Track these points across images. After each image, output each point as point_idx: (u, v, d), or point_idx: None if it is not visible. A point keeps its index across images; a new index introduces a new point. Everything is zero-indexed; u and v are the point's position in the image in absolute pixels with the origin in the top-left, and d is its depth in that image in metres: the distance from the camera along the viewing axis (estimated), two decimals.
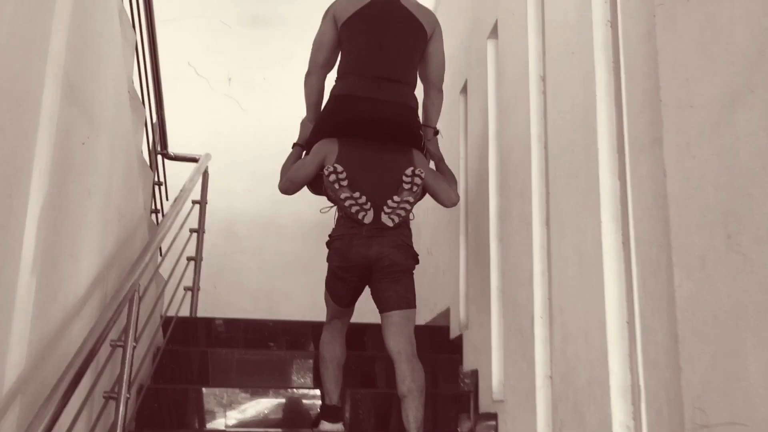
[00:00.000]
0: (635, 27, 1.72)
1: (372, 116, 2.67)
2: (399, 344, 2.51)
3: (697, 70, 1.32)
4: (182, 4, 5.33)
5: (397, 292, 2.57)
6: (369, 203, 2.55)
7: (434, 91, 2.95)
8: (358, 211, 2.53)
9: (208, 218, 4.81)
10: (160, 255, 3.61)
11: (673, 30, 1.42)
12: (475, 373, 2.97)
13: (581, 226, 1.97)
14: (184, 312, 3.60)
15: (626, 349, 1.76)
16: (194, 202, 3.73)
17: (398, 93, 2.73)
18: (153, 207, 3.52)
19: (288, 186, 2.77)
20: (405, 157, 2.70)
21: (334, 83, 2.81)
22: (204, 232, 3.75)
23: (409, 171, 2.60)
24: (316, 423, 2.73)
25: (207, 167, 3.82)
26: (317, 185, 2.74)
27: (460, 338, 3.29)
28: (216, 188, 4.92)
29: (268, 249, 5.04)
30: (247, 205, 5.11)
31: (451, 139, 3.76)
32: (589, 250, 1.90)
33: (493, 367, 2.72)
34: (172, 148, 3.90)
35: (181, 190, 3.16)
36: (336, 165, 2.58)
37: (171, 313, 3.43)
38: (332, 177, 2.56)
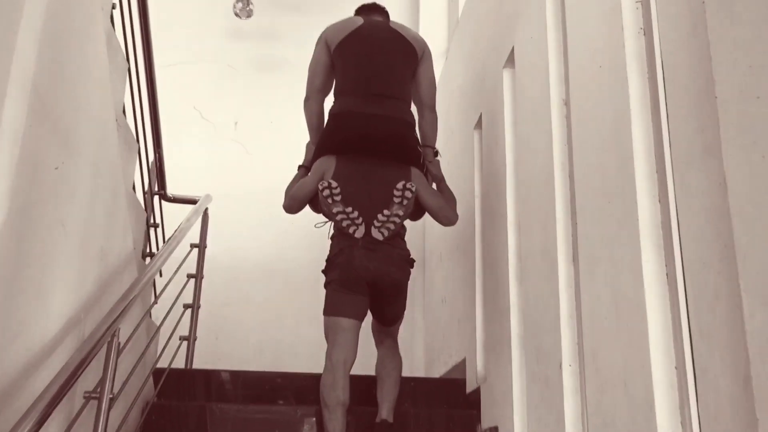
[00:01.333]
0: (675, 28, 1.51)
1: (368, 131, 2.75)
2: (386, 341, 2.83)
3: (764, 55, 1.10)
4: (188, 48, 5.24)
5: (395, 311, 2.79)
6: (360, 218, 2.60)
7: (427, 110, 3.02)
8: (349, 226, 2.59)
9: (210, 265, 4.58)
10: (155, 299, 3.38)
11: (729, 15, 1.20)
12: (494, 431, 2.68)
13: (616, 258, 1.73)
14: (179, 363, 3.34)
15: (676, 399, 1.50)
16: (193, 246, 3.51)
17: (394, 108, 2.82)
18: (148, 250, 3.30)
19: (291, 204, 2.84)
20: (401, 172, 2.73)
21: (332, 104, 2.89)
22: (203, 277, 3.52)
23: (399, 185, 2.64)
24: None
25: (207, 209, 3.61)
26: (317, 203, 2.75)
27: (477, 392, 3.01)
28: (219, 234, 4.71)
29: (273, 298, 4.79)
30: (252, 252, 4.89)
31: (464, 177, 3.55)
32: (627, 284, 1.65)
33: (515, 423, 2.44)
34: (175, 192, 3.71)
35: (176, 230, 2.95)
36: (330, 180, 2.64)
37: (165, 364, 3.17)
38: (326, 192, 2.61)
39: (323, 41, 2.95)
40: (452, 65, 4.24)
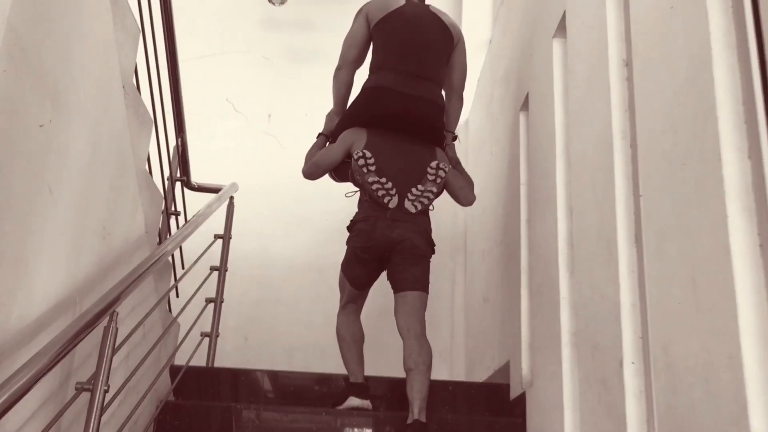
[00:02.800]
0: None
1: (404, 110, 2.80)
2: (409, 322, 2.62)
3: None
4: (221, 39, 5.08)
5: (414, 274, 2.67)
6: (394, 189, 2.69)
7: (456, 96, 3.10)
8: (383, 195, 2.67)
9: (240, 262, 4.38)
10: (171, 287, 3.17)
11: None
12: None
13: (692, 229, 1.43)
14: (201, 361, 3.11)
15: None
16: (217, 237, 3.30)
17: (429, 90, 2.87)
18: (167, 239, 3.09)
19: (313, 170, 2.89)
20: (429, 151, 2.85)
21: (367, 77, 2.93)
22: (226, 270, 3.30)
23: (434, 164, 2.78)
24: (341, 400, 2.73)
25: (232, 198, 3.39)
26: (341, 172, 2.85)
27: (522, 397, 2.71)
28: (250, 229, 4.51)
29: (305, 298, 4.55)
30: (285, 250, 4.66)
31: (510, 164, 3.26)
32: (708, 258, 1.35)
33: (566, 430, 2.13)
34: (201, 182, 3.51)
35: (195, 215, 2.73)
36: (365, 150, 2.73)
37: (191, 362, 2.95)
38: (361, 161, 2.70)
39: (363, 15, 3.00)
40: (496, 50, 3.96)
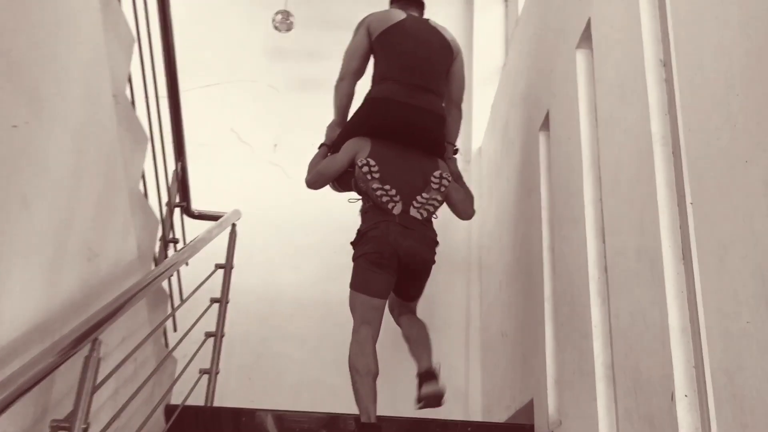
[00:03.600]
0: None
1: (407, 120, 2.84)
2: (408, 314, 2.87)
3: None
4: (227, 68, 4.96)
5: (418, 289, 2.85)
6: (398, 196, 2.71)
7: (455, 109, 3.11)
8: (387, 202, 2.68)
9: (244, 297, 4.18)
10: (175, 328, 2.97)
11: None
12: None
13: (764, 237, 1.22)
14: (199, 400, 2.88)
15: None
16: (218, 266, 3.10)
17: (431, 102, 2.90)
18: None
19: (317, 179, 2.91)
20: (432, 161, 2.88)
21: (369, 89, 2.94)
22: (228, 302, 3.09)
23: (437, 173, 2.80)
24: None
25: (234, 226, 3.20)
26: (344, 181, 2.88)
27: None
28: (256, 263, 4.32)
29: (313, 334, 4.32)
30: (291, 283, 4.45)
31: (528, 188, 3.07)
32: None
33: None
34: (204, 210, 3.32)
35: (192, 240, 2.54)
36: (369, 159, 2.74)
37: (189, 401, 2.72)
38: (365, 169, 2.72)
39: (365, 27, 3.02)
40: (511, 73, 3.81)
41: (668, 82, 1.76)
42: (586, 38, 2.39)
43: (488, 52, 4.85)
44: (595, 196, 2.24)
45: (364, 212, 2.80)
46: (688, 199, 1.57)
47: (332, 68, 4.36)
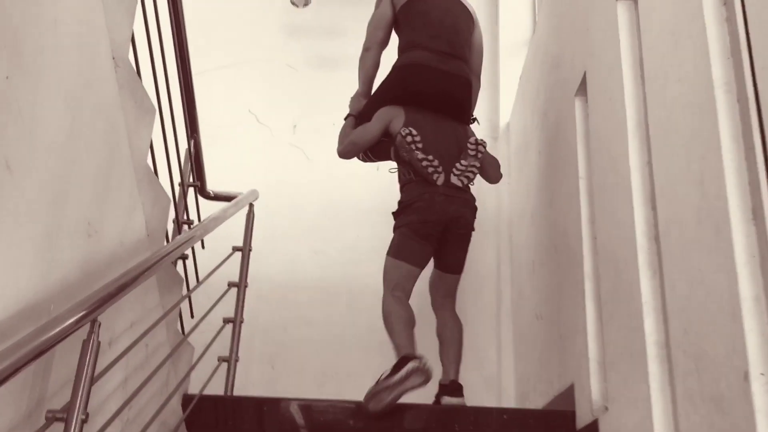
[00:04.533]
0: None
1: (440, 86, 2.84)
2: (446, 297, 2.79)
3: None
4: (243, 48, 4.79)
5: (459, 258, 2.80)
6: (441, 166, 2.69)
7: (475, 78, 3.08)
8: (432, 173, 2.67)
9: (265, 283, 4.04)
10: (192, 314, 2.82)
11: None
12: None
13: None
14: (219, 389, 2.73)
15: None
16: (235, 249, 2.94)
17: (461, 68, 2.92)
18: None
19: (350, 149, 2.89)
20: (463, 128, 2.92)
21: (397, 58, 2.95)
22: (246, 286, 2.92)
23: (473, 140, 2.81)
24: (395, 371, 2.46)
25: (252, 206, 3.04)
26: (376, 150, 2.88)
27: (594, 425, 2.27)
28: (277, 248, 4.18)
29: (335, 321, 4.16)
30: (312, 269, 4.29)
31: (564, 159, 2.87)
32: None
33: None
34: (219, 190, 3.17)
35: (205, 219, 2.38)
36: (410, 128, 2.71)
37: (207, 390, 2.57)
38: (408, 138, 2.69)
39: None
40: (541, 40, 3.59)
41: (730, 21, 1.56)
42: None
43: (515, 24, 4.63)
44: (642, 160, 2.04)
45: (405, 183, 2.77)
46: (758, 151, 1.37)
47: (351, 45, 4.18)
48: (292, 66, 4.78)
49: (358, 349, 4.04)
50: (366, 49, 3.01)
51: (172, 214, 2.76)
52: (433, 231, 2.65)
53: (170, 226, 2.57)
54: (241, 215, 2.95)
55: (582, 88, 2.67)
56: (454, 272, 2.80)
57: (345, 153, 2.91)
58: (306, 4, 4.39)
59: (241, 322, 2.83)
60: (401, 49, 2.94)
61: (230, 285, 2.85)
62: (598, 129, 2.45)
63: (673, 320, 1.72)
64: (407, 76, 2.82)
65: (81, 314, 1.40)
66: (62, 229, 1.55)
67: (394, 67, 2.89)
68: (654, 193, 1.92)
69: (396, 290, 2.62)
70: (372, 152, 2.88)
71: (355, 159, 3.06)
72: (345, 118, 3.01)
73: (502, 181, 4.24)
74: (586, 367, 2.40)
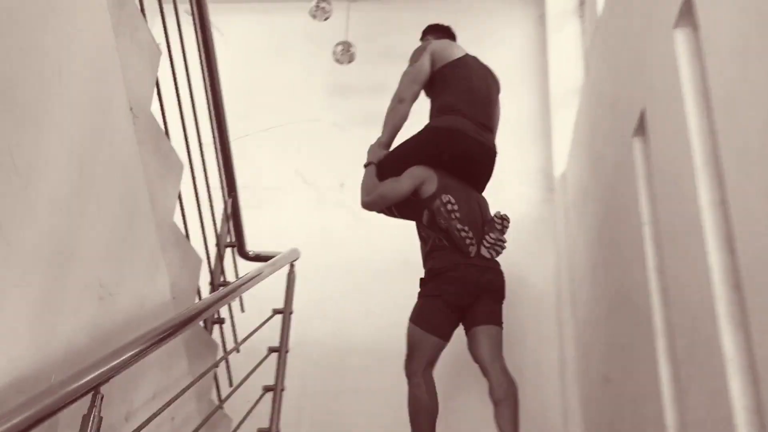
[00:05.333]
0: None
1: (475, 156, 2.84)
2: (493, 354, 2.60)
3: None
4: (289, 109, 4.75)
5: (496, 311, 2.68)
6: (474, 237, 2.66)
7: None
8: (469, 244, 2.63)
9: (316, 350, 3.88)
10: (230, 383, 2.65)
11: None
12: None
13: None
14: None
15: None
16: (276, 312, 2.78)
17: (492, 141, 2.94)
18: (216, 316, 2.61)
19: (377, 202, 2.83)
20: (482, 198, 2.93)
21: (435, 117, 2.91)
22: (287, 351, 2.75)
23: (499, 214, 2.75)
24: None
25: (293, 265, 2.89)
26: (402, 207, 2.82)
27: None
28: (325, 312, 4.03)
29: (389, 388, 3.92)
30: (366, 332, 4.09)
31: (625, 204, 2.64)
32: None
33: None
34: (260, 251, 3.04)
35: (240, 278, 2.24)
36: (450, 196, 2.66)
37: None
38: (449, 206, 2.64)
39: (428, 55, 2.97)
40: (594, 82, 3.41)
41: None
42: (685, 13, 1.99)
43: (565, 72, 4.47)
44: (714, 198, 1.81)
45: (435, 249, 2.70)
46: None
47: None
48: (338, 124, 4.71)
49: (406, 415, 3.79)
50: (400, 100, 2.93)
51: (209, 277, 2.64)
52: (463, 303, 2.59)
53: (207, 289, 2.43)
54: (283, 276, 2.80)
55: (640, 127, 2.47)
56: (494, 323, 2.65)
57: (371, 205, 2.85)
58: (350, 61, 4.34)
59: (282, 390, 2.64)
60: (438, 110, 2.87)
61: (270, 350, 2.68)
62: (661, 168, 2.23)
63: (766, 381, 1.46)
64: (447, 140, 2.76)
65: (76, 385, 1.25)
66: (67, 291, 1.42)
67: (433, 128, 2.82)
68: (732, 235, 1.69)
69: (426, 370, 2.53)
70: (397, 208, 2.82)
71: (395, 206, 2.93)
72: (365, 166, 2.93)
73: (559, 235, 4.06)
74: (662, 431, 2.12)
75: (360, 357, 4.05)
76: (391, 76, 4.72)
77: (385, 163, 2.86)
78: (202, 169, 2.38)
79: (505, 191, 4.33)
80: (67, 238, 1.41)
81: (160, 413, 1.70)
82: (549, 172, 4.33)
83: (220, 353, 2.49)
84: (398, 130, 2.94)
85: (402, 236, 4.13)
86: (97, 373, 1.31)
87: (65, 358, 1.40)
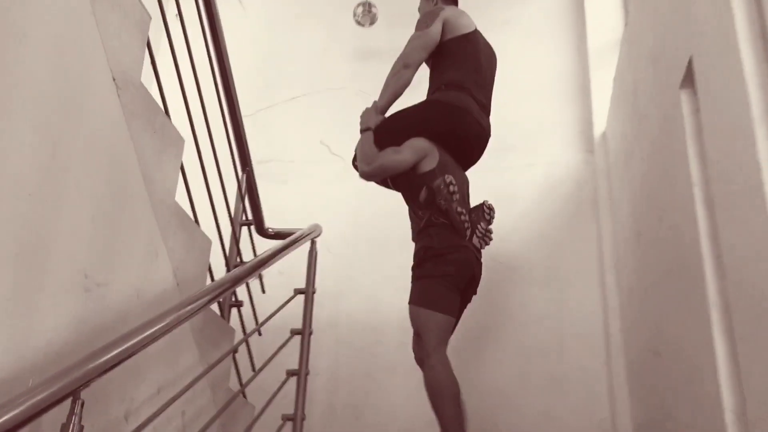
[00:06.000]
0: None
1: (475, 140, 2.79)
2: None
3: None
4: (313, 78, 4.58)
5: (465, 307, 2.66)
6: (470, 222, 2.59)
7: None
8: (467, 228, 2.57)
9: (347, 330, 3.74)
10: (253, 367, 2.53)
11: None
12: None
13: None
14: None
15: None
16: (298, 292, 2.63)
17: (489, 127, 2.86)
18: (234, 299, 2.47)
19: (378, 173, 2.69)
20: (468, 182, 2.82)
21: (442, 89, 2.75)
22: (311, 333, 2.60)
23: (486, 203, 2.70)
24: None
25: (314, 243, 2.73)
26: (398, 179, 2.71)
27: None
28: (357, 288, 3.88)
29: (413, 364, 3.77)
30: (396, 308, 3.90)
31: (672, 164, 2.41)
32: None
33: None
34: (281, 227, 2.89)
35: (253, 259, 2.09)
36: (451, 177, 2.58)
37: None
38: (451, 188, 2.56)
39: (441, 21, 2.82)
40: (633, 34, 3.15)
41: None
42: None
43: (603, 23, 4.19)
44: None
45: (437, 227, 2.56)
46: None
47: (424, 65, 3.86)
48: (364, 91, 4.50)
49: None
50: (405, 65, 2.76)
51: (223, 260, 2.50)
52: (461, 286, 2.52)
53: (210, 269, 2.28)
54: (301, 252, 2.65)
55: (688, 78, 2.22)
56: (458, 319, 2.64)
57: (371, 176, 2.71)
58: (372, 22, 4.12)
59: (307, 374, 2.50)
60: (447, 84, 2.73)
61: (293, 333, 2.54)
62: (713, 123, 1.99)
63: None
64: (455, 118, 2.67)
65: (51, 390, 1.11)
66: (45, 286, 1.28)
67: (440, 102, 2.69)
68: None
69: (443, 351, 2.41)
70: (392, 180, 2.72)
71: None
72: (363, 131, 2.77)
73: (601, 199, 3.81)
74: (721, 418, 1.92)
75: (394, 333, 3.90)
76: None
77: (384, 131, 2.72)
78: (210, 144, 2.22)
79: (540, 153, 4.11)
80: (40, 227, 1.27)
81: (164, 410, 1.57)
82: (588, 131, 4.08)
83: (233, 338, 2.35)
84: (398, 97, 2.79)
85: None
86: (74, 376, 1.17)
87: (45, 359, 1.27)
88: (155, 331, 1.42)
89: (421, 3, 3.15)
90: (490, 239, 2.67)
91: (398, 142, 2.67)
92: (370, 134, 2.75)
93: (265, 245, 2.80)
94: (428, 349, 2.42)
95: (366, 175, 2.72)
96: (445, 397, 2.37)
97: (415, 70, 2.79)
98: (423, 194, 2.58)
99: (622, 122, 3.46)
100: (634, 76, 3.10)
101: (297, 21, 4.78)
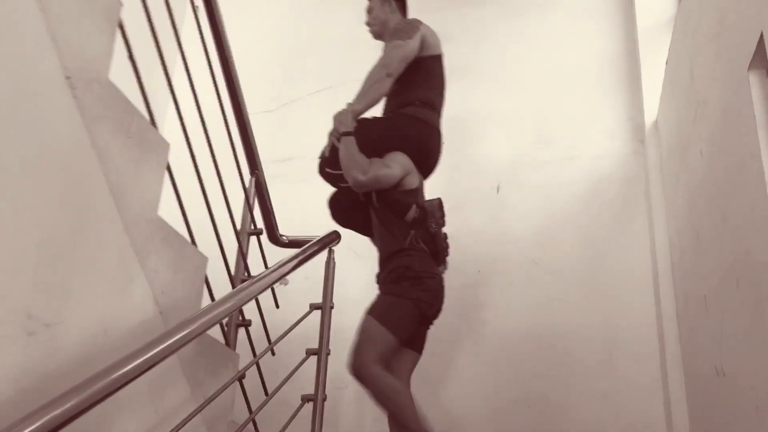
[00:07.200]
0: None
1: (434, 166, 2.82)
2: (407, 384, 2.51)
3: None
4: (336, 70, 4.33)
5: (424, 340, 2.63)
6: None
7: None
8: (445, 256, 2.65)
9: None
10: (265, 392, 2.29)
11: None
12: None
13: None
14: None
15: None
16: (314, 307, 2.38)
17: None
18: (240, 318, 2.23)
19: (372, 185, 2.60)
20: None
21: (420, 107, 2.75)
22: (329, 353, 2.35)
23: (447, 243, 2.68)
24: None
25: (332, 251, 2.47)
26: (383, 195, 2.63)
27: None
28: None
29: (458, 376, 3.50)
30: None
31: (740, 156, 2.08)
32: None
33: None
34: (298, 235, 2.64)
35: (261, 274, 1.84)
36: (440, 199, 2.65)
37: None
38: (443, 211, 2.63)
39: (419, 37, 2.79)
40: (689, 11, 2.81)
41: None
42: None
43: (654, 1, 3.83)
44: None
45: (413, 248, 2.52)
46: None
47: (455, 52, 3.55)
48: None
49: (467, 411, 3.37)
50: (389, 74, 2.70)
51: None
52: (430, 316, 2.51)
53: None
54: (318, 262, 2.39)
55: (759, 57, 1.90)
56: (420, 352, 2.60)
57: (365, 187, 2.59)
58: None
59: (324, 399, 2.25)
60: (419, 100, 2.72)
61: (308, 353, 2.29)
62: None
63: None
64: (433, 140, 2.73)
65: None
66: None
67: (419, 120, 2.69)
68: None
69: (381, 363, 2.32)
70: (377, 193, 2.64)
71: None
72: (341, 135, 2.63)
73: (653, 195, 3.47)
74: None
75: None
76: (453, 23, 4.23)
77: (364, 138, 2.62)
78: (207, 146, 1.98)
79: (587, 145, 3.79)
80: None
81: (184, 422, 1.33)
82: (638, 120, 3.75)
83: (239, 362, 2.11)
84: (374, 105, 2.74)
85: (466, 202, 3.68)
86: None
87: None
88: (122, 374, 1.18)
89: (372, 2, 3.07)
90: (446, 268, 2.69)
91: (376, 153, 2.63)
92: (353, 140, 2.62)
93: (278, 255, 2.57)
94: (367, 360, 2.31)
95: (360, 185, 2.59)
96: (399, 393, 2.32)
97: (394, 80, 2.73)
98: (413, 213, 2.54)
99: (676, 109, 3.12)
100: (690, 57, 2.76)
101: (322, 8, 4.53)
